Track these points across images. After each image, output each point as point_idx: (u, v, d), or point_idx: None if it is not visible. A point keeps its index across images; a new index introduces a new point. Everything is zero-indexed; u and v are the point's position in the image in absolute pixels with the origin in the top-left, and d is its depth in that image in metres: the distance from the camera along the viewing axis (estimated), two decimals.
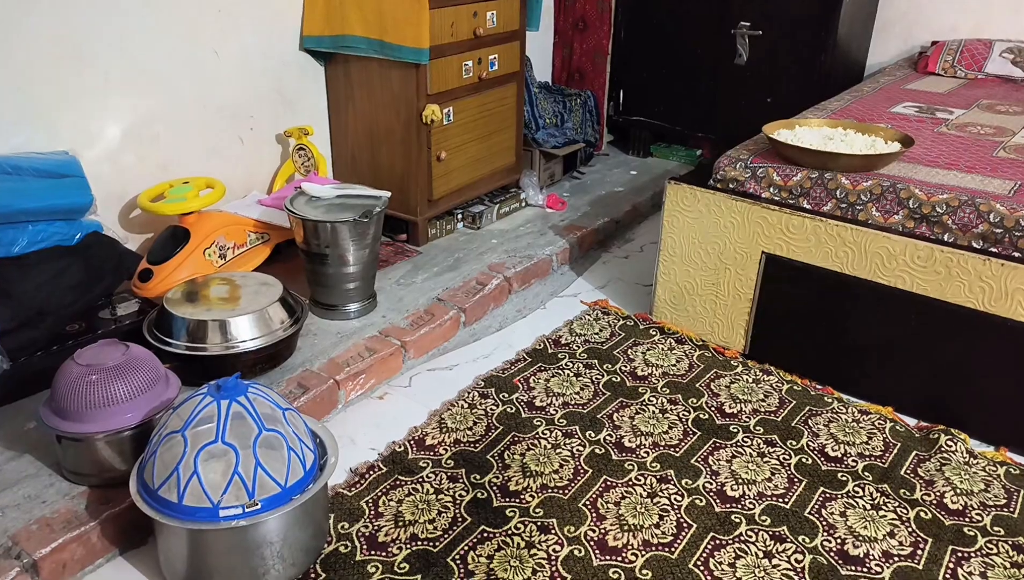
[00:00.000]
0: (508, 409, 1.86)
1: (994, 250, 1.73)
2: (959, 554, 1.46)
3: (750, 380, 2.01)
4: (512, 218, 2.84)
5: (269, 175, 2.49)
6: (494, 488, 1.61)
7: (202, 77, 2.21)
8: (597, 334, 2.21)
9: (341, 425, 1.80)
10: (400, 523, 1.51)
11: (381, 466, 1.66)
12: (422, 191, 2.48)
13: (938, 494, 1.62)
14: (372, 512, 1.54)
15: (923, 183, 1.87)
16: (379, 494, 1.59)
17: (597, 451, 1.73)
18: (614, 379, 2.00)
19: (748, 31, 3.16)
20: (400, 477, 1.63)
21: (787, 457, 1.73)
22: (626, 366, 2.06)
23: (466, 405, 1.87)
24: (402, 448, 1.72)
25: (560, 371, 2.03)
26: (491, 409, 1.86)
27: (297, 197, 2.10)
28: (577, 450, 1.73)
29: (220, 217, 2.11)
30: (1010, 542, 1.49)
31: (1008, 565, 1.44)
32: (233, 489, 1.26)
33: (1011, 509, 1.58)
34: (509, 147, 2.83)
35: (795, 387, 1.99)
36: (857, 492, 1.62)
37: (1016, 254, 1.71)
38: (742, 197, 2.04)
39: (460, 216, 2.73)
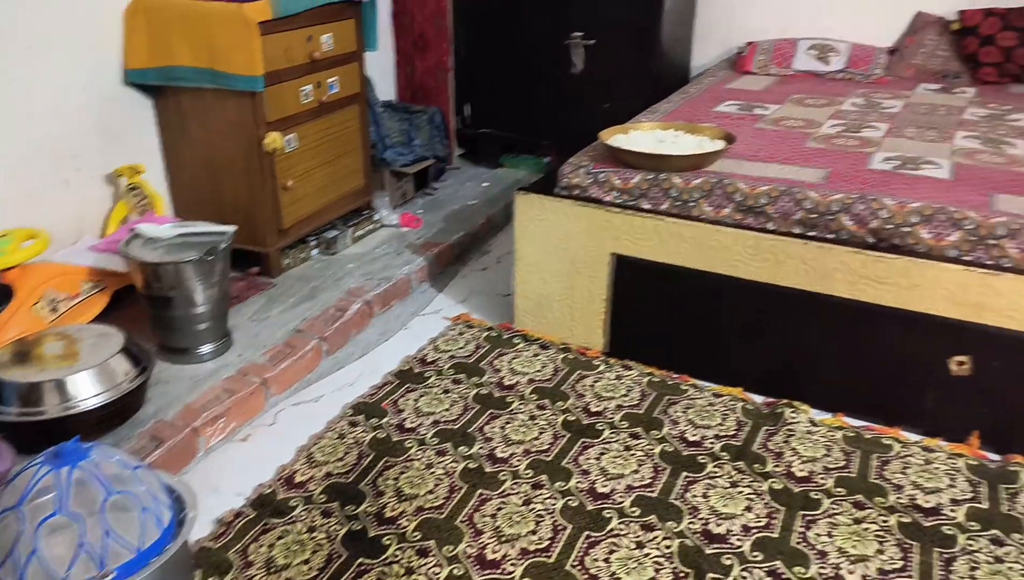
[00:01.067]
0: (379, 434, 1.84)
1: (812, 234, 1.89)
2: (808, 518, 1.58)
3: (613, 377, 2.09)
4: (368, 241, 2.81)
5: (101, 218, 2.34)
6: (369, 518, 1.58)
7: (14, 118, 2.05)
8: (462, 349, 2.23)
9: (203, 474, 1.72)
10: (272, 569, 1.46)
11: (248, 511, 1.60)
12: (271, 221, 2.41)
13: (787, 464, 1.74)
14: (242, 562, 1.47)
15: (746, 177, 2.01)
16: (248, 541, 1.52)
17: (470, 466, 1.74)
18: (482, 392, 2.02)
19: (581, 41, 3.29)
20: (270, 520, 1.58)
21: (651, 447, 1.81)
22: (493, 377, 2.09)
23: (335, 436, 1.83)
24: (270, 489, 1.66)
25: (428, 390, 2.03)
26: (361, 437, 1.83)
27: (132, 240, 1.99)
28: (451, 467, 1.73)
29: (47, 268, 1.96)
30: (851, 500, 1.63)
31: (851, 522, 1.57)
32: (81, 562, 1.17)
33: (850, 470, 1.73)
34: (357, 169, 2.80)
35: (654, 379, 2.08)
36: (716, 473, 1.72)
37: (830, 236, 1.87)
38: (586, 202, 2.12)
39: (314, 243, 2.67)
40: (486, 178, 3.56)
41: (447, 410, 1.94)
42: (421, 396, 2.00)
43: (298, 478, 1.70)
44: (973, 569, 1.46)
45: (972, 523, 1.57)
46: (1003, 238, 1.70)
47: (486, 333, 2.31)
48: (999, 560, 1.47)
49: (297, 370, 2.05)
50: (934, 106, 2.67)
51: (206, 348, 2.01)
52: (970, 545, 1.51)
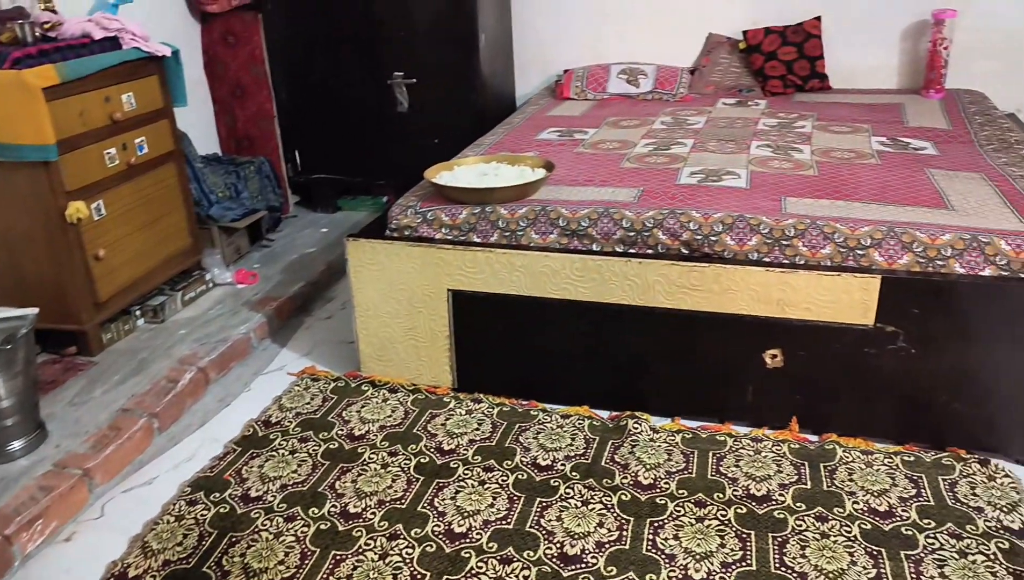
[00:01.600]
0: (221, 510, 1.75)
1: (633, 251, 1.99)
2: (655, 524, 1.65)
3: (463, 413, 2.09)
4: (200, 302, 2.68)
5: None
6: None
7: None
8: (308, 403, 2.16)
9: None
10: None
11: None
12: (84, 296, 2.25)
13: (633, 474, 1.81)
14: None
15: (567, 202, 2.09)
16: None
17: (322, 527, 1.68)
18: (331, 446, 1.97)
19: (403, 80, 3.32)
20: None
21: (505, 478, 1.82)
22: (342, 429, 2.04)
23: (172, 519, 1.72)
24: None
25: (274, 453, 1.95)
26: (202, 515, 1.73)
27: None
28: (301, 532, 1.67)
29: None
30: (693, 500, 1.72)
31: (694, 522, 1.65)
32: None
33: (689, 471, 1.82)
34: (181, 229, 2.67)
35: (504, 409, 2.11)
36: (568, 494, 1.76)
37: (649, 251, 1.98)
38: (418, 241, 2.13)
39: (139, 312, 2.52)
40: (324, 224, 3.50)
41: (295, 471, 1.87)
42: (266, 461, 1.92)
43: (132, 572, 1.57)
44: (803, 547, 1.57)
45: (799, 504, 1.69)
46: (793, 238, 1.86)
47: (333, 384, 2.25)
48: (824, 535, 1.60)
49: (125, 453, 1.91)
50: (732, 119, 2.90)
51: (16, 444, 1.83)
52: (799, 525, 1.63)
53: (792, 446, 1.88)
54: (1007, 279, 1.73)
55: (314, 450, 1.96)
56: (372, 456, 1.92)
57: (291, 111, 3.49)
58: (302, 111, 3.50)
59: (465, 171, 2.30)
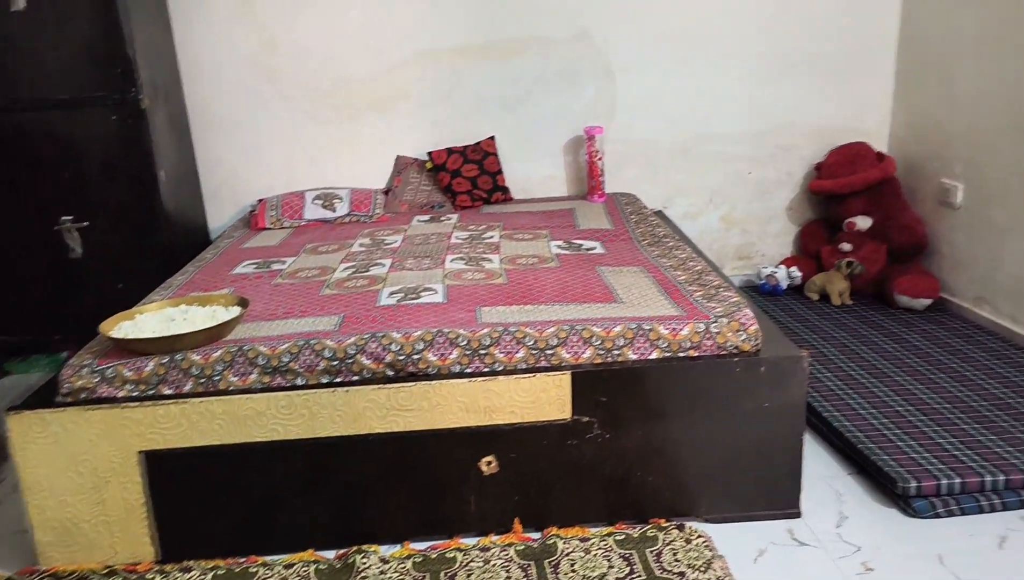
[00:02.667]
0: None
1: (339, 380, 1.96)
2: None
3: None
4: None
5: None
6: None
7: None
8: None
9: None
10: None
11: None
12: None
13: None
14: None
15: (267, 338, 2.01)
16: None
17: None
18: None
19: (73, 225, 3.03)
20: None
21: None
22: None
23: None
24: None
25: None
26: None
27: None
28: None
29: None
30: None
31: None
32: None
33: None
34: None
35: (220, 572, 1.91)
36: None
37: (355, 378, 1.96)
38: (98, 404, 1.90)
39: None
40: None
41: None
42: None
43: None
44: None
45: None
46: (490, 346, 1.96)
47: None
48: None
49: None
50: (427, 235, 3.04)
51: None
52: None
53: (518, 548, 1.92)
54: (670, 359, 1.98)
55: None
56: None
57: None
58: None
59: (149, 318, 2.12)
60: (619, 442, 1.98)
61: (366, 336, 1.98)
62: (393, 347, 1.96)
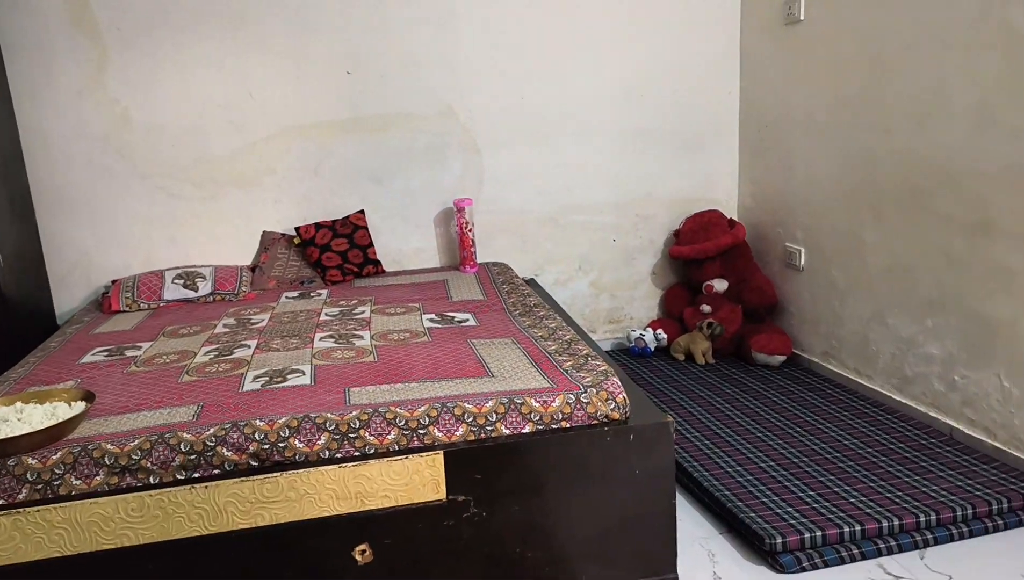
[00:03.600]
0: None
1: (197, 475, 1.83)
2: None
3: None
4: None
5: None
6: None
7: None
8: None
9: None
10: None
11: None
12: None
13: None
14: None
15: (115, 435, 1.86)
16: None
17: None
18: None
19: None
20: None
21: None
22: None
23: None
24: None
25: None
26: None
27: None
28: None
29: None
30: None
31: None
32: None
33: None
34: None
35: None
36: None
37: (216, 471, 1.84)
38: None
39: None
40: None
41: None
42: None
43: None
44: None
45: None
46: (360, 429, 1.90)
47: None
48: None
49: None
50: (296, 313, 2.95)
51: None
52: None
53: None
54: (543, 432, 1.98)
55: None
56: None
57: None
58: None
59: None
60: (496, 519, 1.95)
61: (227, 426, 1.87)
62: (257, 436, 1.86)
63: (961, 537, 2.16)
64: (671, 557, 2.07)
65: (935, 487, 2.30)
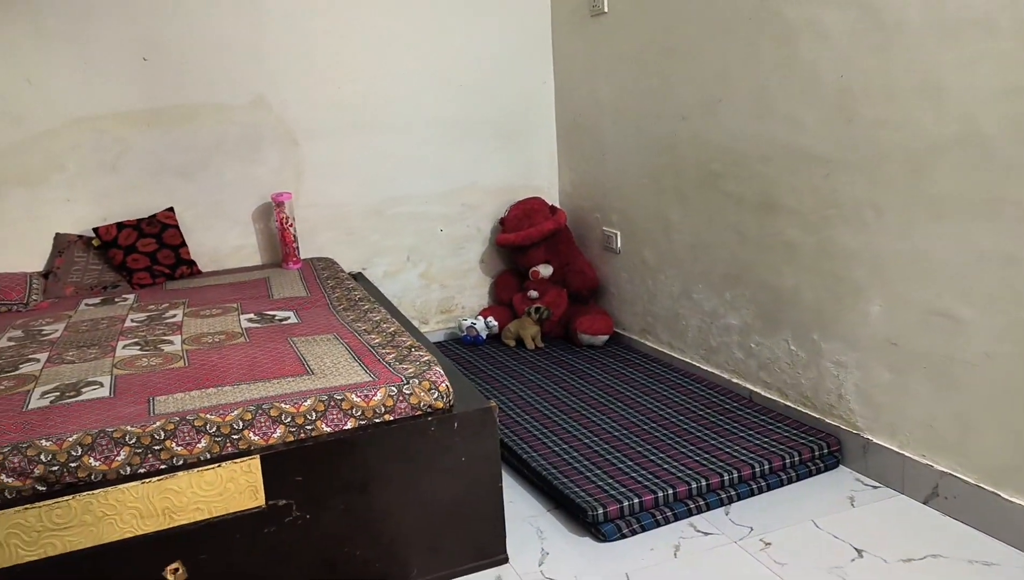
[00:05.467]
0: None
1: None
2: None
3: None
4: None
5: None
6: None
7: None
8: None
9: None
10: None
11: None
12: None
13: None
14: None
15: None
16: None
17: None
18: None
19: None
20: None
21: None
22: None
23: None
24: None
25: None
26: None
27: None
28: None
29: None
30: None
31: None
32: None
33: None
34: None
35: None
36: None
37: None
38: None
39: None
40: None
41: None
42: None
43: None
44: None
45: None
46: (165, 440, 1.78)
47: None
48: None
49: None
50: (96, 321, 2.71)
51: None
52: None
53: None
54: (366, 427, 1.95)
55: None
56: None
57: None
58: None
59: None
60: (321, 521, 1.89)
61: (5, 449, 1.69)
62: (43, 458, 1.69)
63: (760, 491, 2.36)
64: (500, 539, 2.11)
65: (737, 447, 2.50)
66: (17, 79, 3.06)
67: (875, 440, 2.41)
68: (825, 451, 2.48)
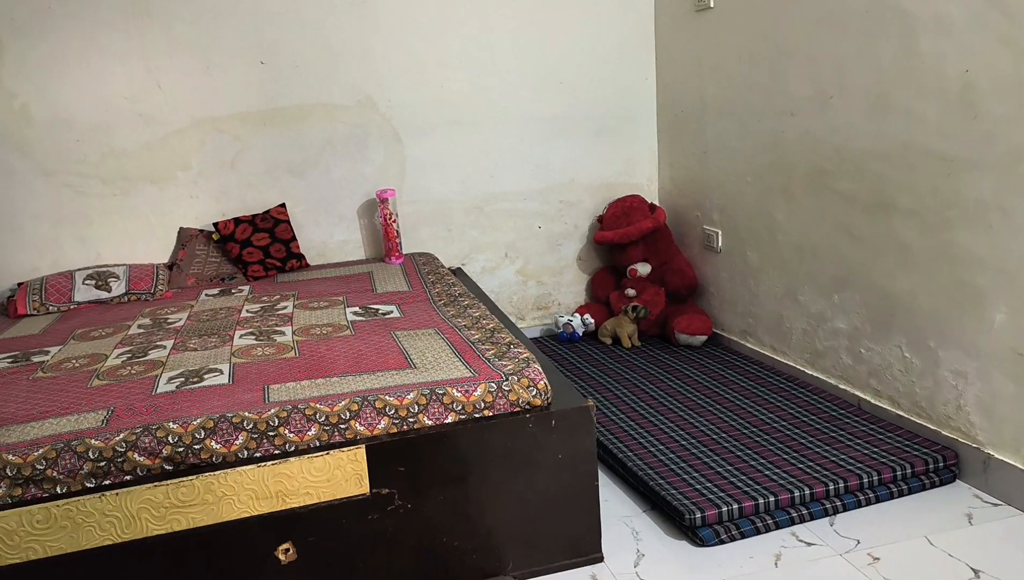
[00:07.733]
0: None
1: (108, 482, 1.78)
2: None
3: None
4: None
5: None
6: None
7: None
8: None
9: None
10: None
11: None
12: None
13: None
14: None
15: (17, 445, 1.79)
16: None
17: None
18: None
19: None
20: None
21: None
22: None
23: None
24: None
25: None
26: None
27: None
28: None
29: None
30: None
31: None
32: None
33: None
34: None
35: None
36: None
37: (128, 478, 1.79)
38: None
39: None
40: None
41: None
42: None
43: None
44: None
45: None
46: (279, 427, 1.88)
47: None
48: None
49: None
50: (215, 311, 2.88)
51: None
52: None
53: None
54: (466, 421, 1.99)
55: None
56: None
57: None
58: None
59: None
60: (421, 511, 1.95)
61: (137, 430, 1.82)
62: (170, 439, 1.82)
63: (868, 503, 2.27)
64: (596, 538, 2.12)
65: (844, 456, 2.41)
66: (149, 83, 3.28)
67: (997, 455, 2.27)
68: (941, 465, 2.35)
